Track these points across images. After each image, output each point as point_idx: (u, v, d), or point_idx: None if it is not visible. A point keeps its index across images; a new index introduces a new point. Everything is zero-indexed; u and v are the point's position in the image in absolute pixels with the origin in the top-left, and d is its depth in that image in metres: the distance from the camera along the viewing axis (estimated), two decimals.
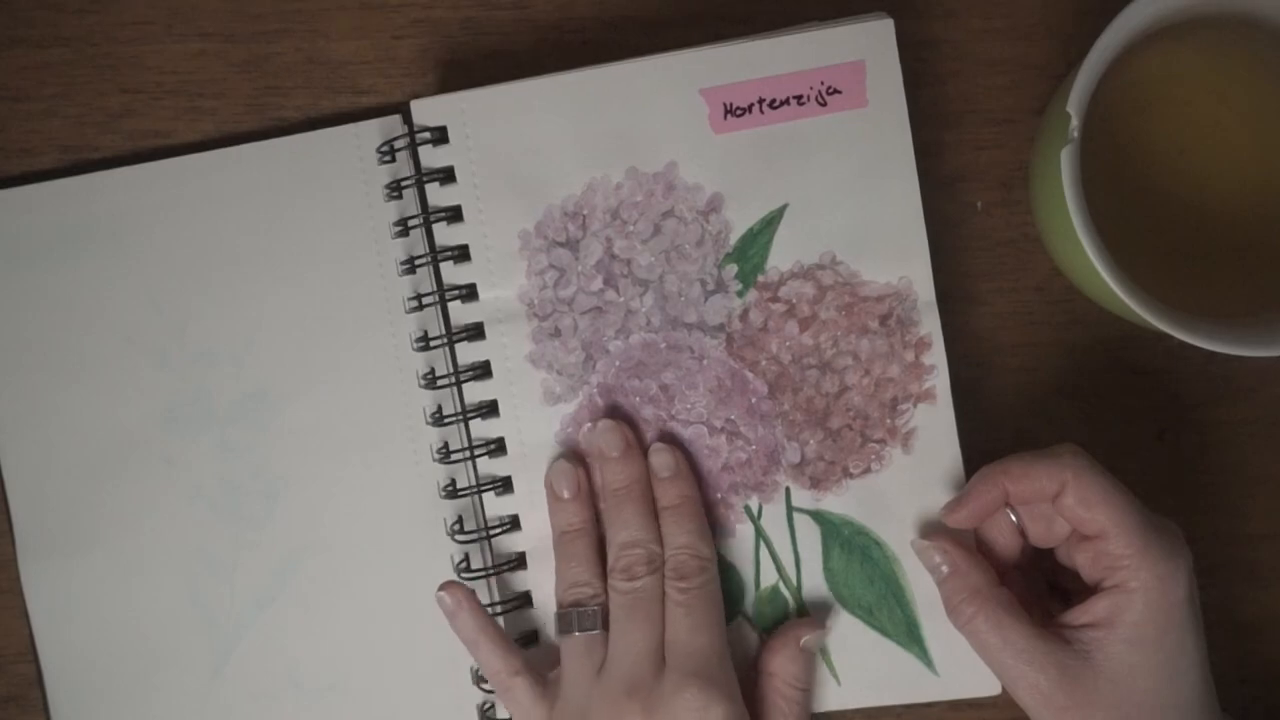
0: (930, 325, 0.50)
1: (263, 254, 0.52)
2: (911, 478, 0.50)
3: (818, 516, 0.50)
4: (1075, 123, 0.45)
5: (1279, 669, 0.53)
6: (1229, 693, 0.47)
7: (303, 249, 0.52)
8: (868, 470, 0.50)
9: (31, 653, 0.52)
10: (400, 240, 0.52)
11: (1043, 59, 0.53)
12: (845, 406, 0.50)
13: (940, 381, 0.50)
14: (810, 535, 0.50)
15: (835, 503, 0.50)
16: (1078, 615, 0.46)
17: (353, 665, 0.52)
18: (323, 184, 0.52)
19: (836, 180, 0.50)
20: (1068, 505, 0.46)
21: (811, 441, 0.50)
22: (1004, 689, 0.48)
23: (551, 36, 0.53)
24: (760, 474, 0.50)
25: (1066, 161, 0.45)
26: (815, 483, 0.50)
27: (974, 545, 0.49)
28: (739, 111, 0.49)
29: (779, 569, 0.50)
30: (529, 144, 0.50)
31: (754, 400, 0.50)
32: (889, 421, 0.50)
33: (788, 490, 0.50)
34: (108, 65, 0.53)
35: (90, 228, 0.52)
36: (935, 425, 0.50)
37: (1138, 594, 0.45)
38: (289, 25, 0.53)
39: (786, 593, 0.50)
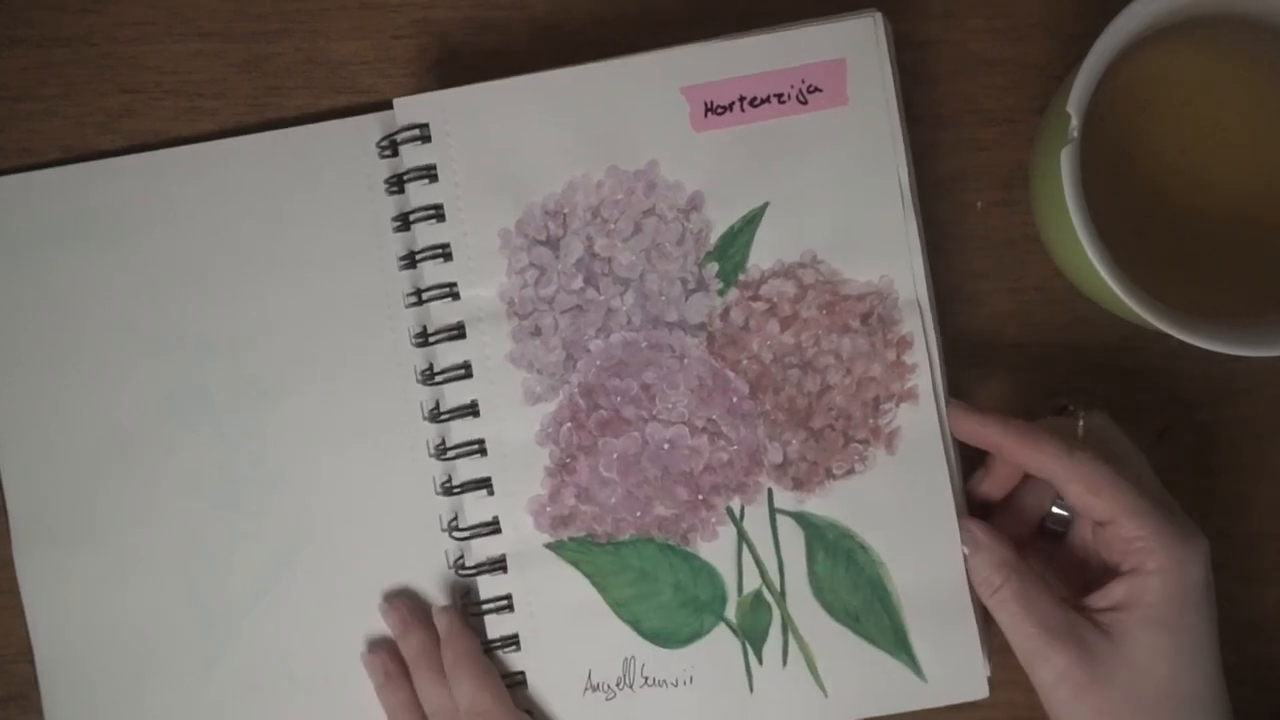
0: (912, 324, 0.50)
1: (264, 245, 0.52)
2: (896, 479, 0.50)
3: (801, 519, 0.50)
4: (1075, 123, 0.45)
5: (1279, 669, 0.53)
6: (1229, 693, 0.47)
7: (305, 241, 0.52)
8: (851, 471, 0.50)
9: (26, 643, 0.52)
10: (401, 235, 0.52)
11: (1043, 59, 0.53)
12: (827, 406, 0.50)
13: (923, 381, 0.50)
14: (794, 538, 0.50)
15: (819, 505, 0.50)
16: (1097, 600, 0.46)
17: (348, 659, 0.52)
18: (325, 177, 0.52)
19: (817, 179, 0.49)
20: (1075, 493, 0.46)
21: (794, 441, 0.50)
22: (988, 687, 0.48)
23: (551, 36, 0.53)
24: (742, 474, 0.50)
25: (1066, 161, 0.45)
26: (798, 484, 0.50)
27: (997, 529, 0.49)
28: (720, 110, 0.49)
29: (762, 573, 0.50)
30: (510, 142, 0.50)
31: (735, 400, 0.50)
32: (872, 421, 0.50)
33: (770, 491, 0.50)
34: (108, 65, 0.53)
35: (92, 217, 0.52)
36: (919, 425, 0.50)
37: (1155, 575, 0.45)
38: (289, 25, 0.53)
39: (770, 598, 0.50)
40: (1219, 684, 0.46)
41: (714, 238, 0.50)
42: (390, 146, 0.51)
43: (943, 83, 0.53)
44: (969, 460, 0.50)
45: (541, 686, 0.50)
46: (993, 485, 0.50)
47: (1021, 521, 0.50)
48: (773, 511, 0.50)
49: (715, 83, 0.49)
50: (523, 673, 0.51)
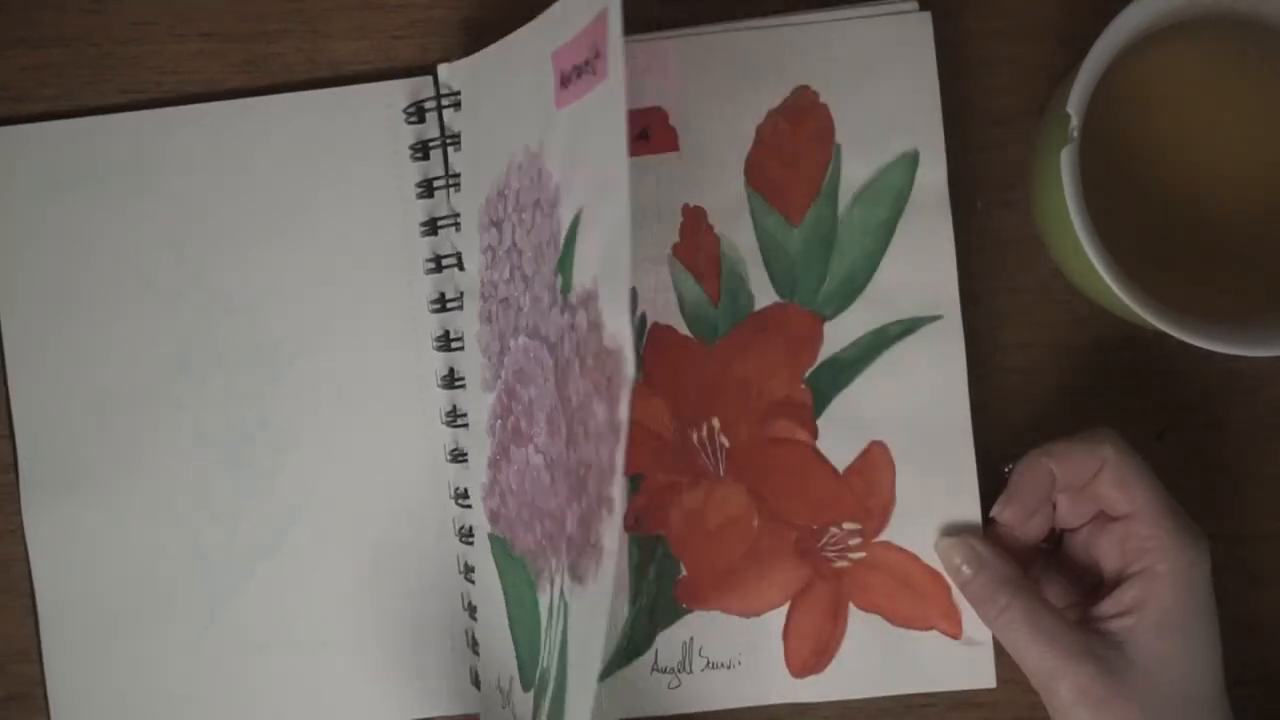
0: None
1: (288, 204, 0.52)
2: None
3: None
4: (1075, 123, 0.45)
5: (1279, 669, 0.53)
6: (1229, 693, 0.47)
7: (328, 203, 0.52)
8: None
9: (28, 643, 0.52)
10: (424, 201, 0.52)
11: (1043, 59, 0.53)
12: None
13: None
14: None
15: None
16: (1108, 606, 0.46)
17: (348, 622, 0.52)
18: (353, 139, 0.52)
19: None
20: (1103, 484, 0.46)
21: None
22: (1000, 687, 0.48)
23: None
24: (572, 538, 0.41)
25: (1066, 161, 0.45)
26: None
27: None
28: (567, 81, 0.41)
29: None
30: (497, 108, 0.49)
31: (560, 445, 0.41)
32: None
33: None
34: (108, 65, 0.53)
35: (118, 166, 0.52)
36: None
37: (1166, 578, 0.45)
38: (289, 25, 0.53)
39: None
40: (1223, 686, 0.46)
41: (562, 240, 0.41)
42: (417, 113, 0.51)
43: (943, 83, 0.52)
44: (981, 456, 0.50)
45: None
46: (1023, 508, 0.48)
47: (1021, 543, 0.49)
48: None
49: (566, 45, 0.41)
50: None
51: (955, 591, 0.49)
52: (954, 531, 0.49)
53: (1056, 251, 0.50)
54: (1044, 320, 0.53)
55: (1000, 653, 0.49)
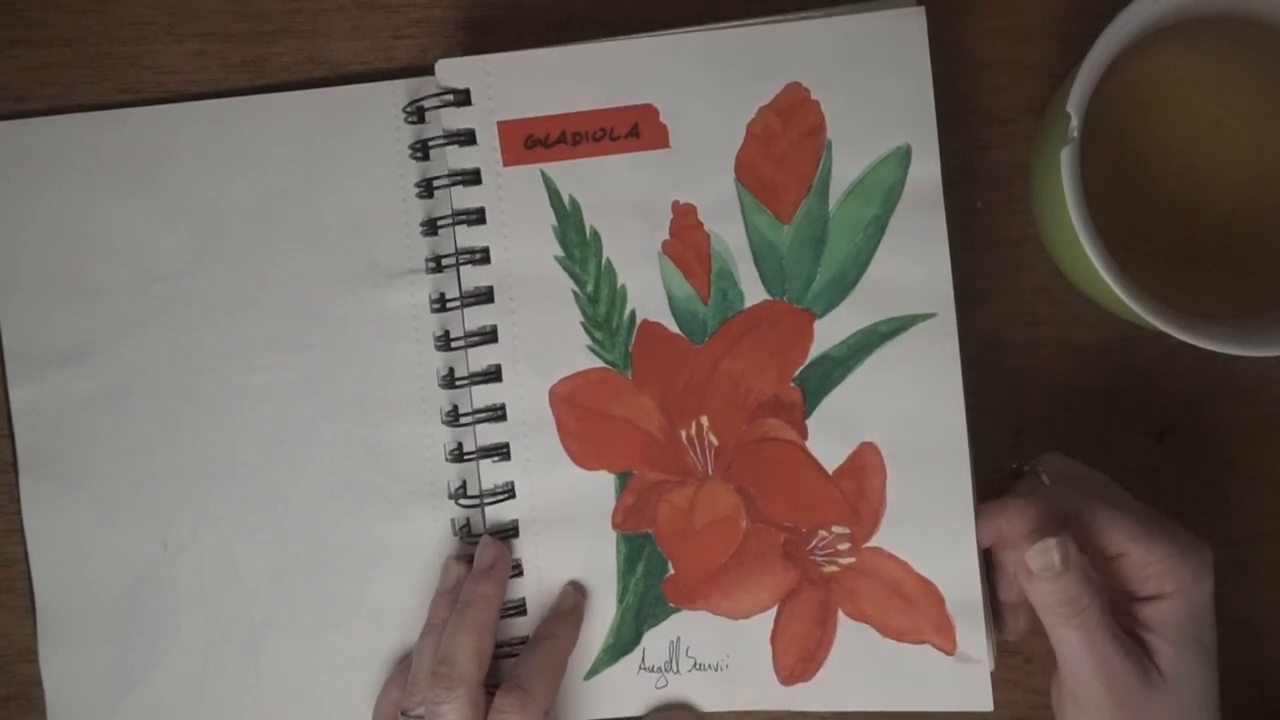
0: None
1: (287, 204, 0.52)
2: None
3: None
4: (1075, 123, 0.45)
5: (1279, 669, 0.53)
6: (1228, 692, 0.47)
7: (328, 202, 0.52)
8: None
9: (27, 643, 0.53)
10: (424, 201, 0.52)
11: (1043, 59, 0.53)
12: None
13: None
14: None
15: None
16: (1129, 626, 0.46)
17: (347, 620, 0.52)
18: (353, 139, 0.52)
19: None
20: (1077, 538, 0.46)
21: None
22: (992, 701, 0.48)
23: (552, 37, 0.53)
24: None
25: (1066, 161, 0.45)
26: None
27: None
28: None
29: None
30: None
31: None
32: None
33: None
34: (108, 65, 0.53)
35: (118, 163, 0.52)
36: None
37: (1176, 597, 0.45)
38: (289, 25, 0.53)
39: None
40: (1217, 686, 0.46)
41: None
42: (417, 112, 0.51)
43: (943, 83, 0.52)
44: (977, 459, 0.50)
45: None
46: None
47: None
48: None
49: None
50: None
51: (950, 604, 0.48)
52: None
53: (1056, 251, 0.50)
54: (1044, 320, 0.53)
55: (999, 653, 0.49)
